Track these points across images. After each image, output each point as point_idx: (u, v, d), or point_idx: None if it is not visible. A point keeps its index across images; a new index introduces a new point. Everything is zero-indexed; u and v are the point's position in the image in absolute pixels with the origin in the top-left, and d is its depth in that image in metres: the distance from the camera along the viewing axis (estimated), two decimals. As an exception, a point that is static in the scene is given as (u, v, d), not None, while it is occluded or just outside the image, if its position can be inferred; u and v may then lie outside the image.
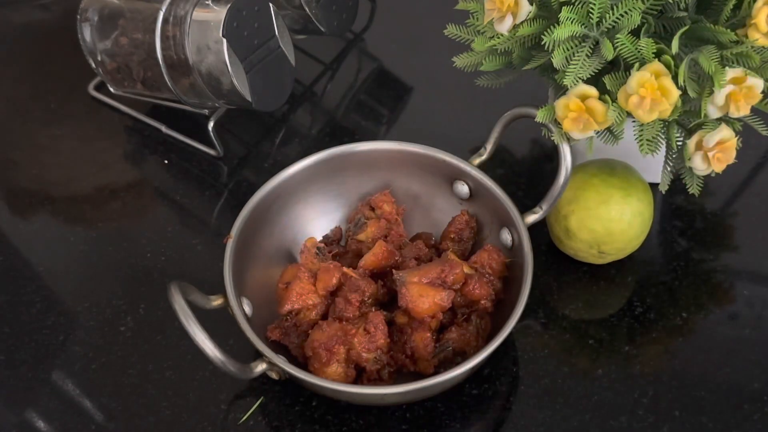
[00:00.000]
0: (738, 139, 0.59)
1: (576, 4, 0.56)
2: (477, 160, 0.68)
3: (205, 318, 0.55)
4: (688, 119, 0.60)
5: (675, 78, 0.55)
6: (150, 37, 0.75)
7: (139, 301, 0.69)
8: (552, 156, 0.78)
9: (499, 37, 0.62)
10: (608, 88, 0.57)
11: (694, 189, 0.63)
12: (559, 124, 0.59)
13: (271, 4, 0.74)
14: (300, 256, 0.67)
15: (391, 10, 0.96)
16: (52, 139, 0.84)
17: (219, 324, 0.59)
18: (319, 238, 0.70)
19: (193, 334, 0.53)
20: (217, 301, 0.59)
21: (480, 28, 0.65)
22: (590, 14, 0.56)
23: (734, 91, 0.55)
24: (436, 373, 0.59)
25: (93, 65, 0.81)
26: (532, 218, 0.64)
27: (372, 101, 0.88)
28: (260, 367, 0.57)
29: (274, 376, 0.59)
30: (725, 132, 0.58)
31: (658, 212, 0.73)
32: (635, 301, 0.68)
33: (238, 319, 0.58)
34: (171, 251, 0.73)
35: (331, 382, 0.57)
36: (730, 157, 0.58)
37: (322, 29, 0.84)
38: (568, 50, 0.57)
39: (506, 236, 0.65)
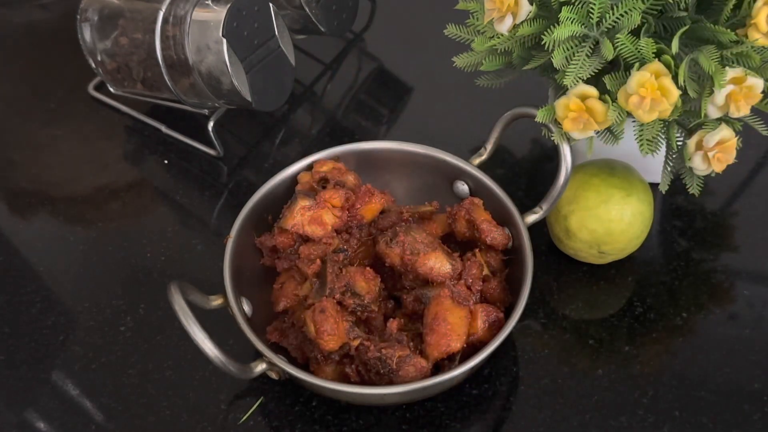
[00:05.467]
0: (738, 139, 0.59)
1: (576, 4, 0.56)
2: (477, 160, 0.68)
3: (205, 318, 0.55)
4: (688, 119, 0.60)
5: (675, 78, 0.55)
6: (150, 37, 0.75)
7: (139, 301, 0.69)
8: (552, 156, 0.78)
9: (499, 37, 0.62)
10: (608, 88, 0.57)
11: (694, 189, 0.63)
12: (559, 124, 0.59)
13: (271, 4, 0.74)
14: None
15: (391, 10, 0.96)
16: (52, 139, 0.84)
17: (219, 324, 0.59)
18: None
19: (193, 334, 0.53)
20: (216, 301, 0.59)
21: (480, 28, 0.65)
22: (590, 14, 0.56)
23: (734, 91, 0.55)
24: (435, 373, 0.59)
25: (93, 65, 0.81)
26: (532, 218, 0.64)
27: (372, 101, 0.88)
28: (260, 367, 0.57)
29: (273, 376, 0.59)
30: (725, 132, 0.58)
31: (658, 212, 0.73)
32: (635, 301, 0.68)
33: (237, 319, 0.58)
34: (171, 251, 0.73)
35: (331, 382, 0.57)
36: (730, 157, 0.58)
37: (322, 29, 0.84)
38: (568, 50, 0.57)
39: (506, 236, 0.65)
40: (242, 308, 0.60)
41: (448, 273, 0.60)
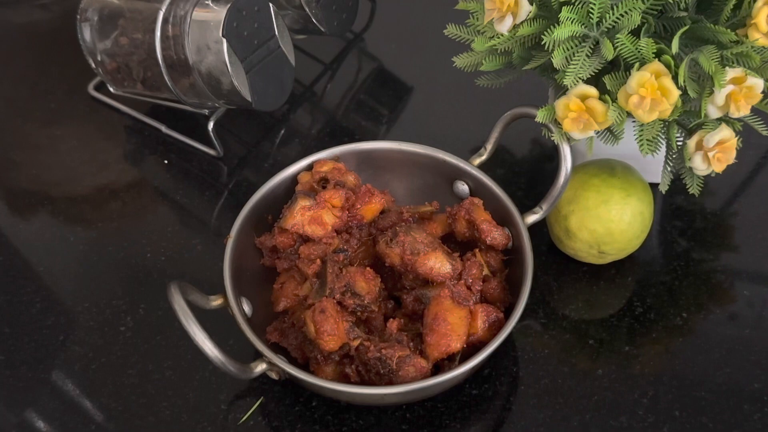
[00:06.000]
0: (738, 139, 0.59)
1: (576, 4, 0.57)
2: (477, 160, 0.68)
3: (205, 318, 0.55)
4: (689, 119, 0.60)
5: (675, 78, 0.55)
6: (150, 37, 0.75)
7: (139, 301, 0.69)
8: (552, 156, 0.78)
9: (499, 37, 0.62)
10: (608, 88, 0.57)
11: (694, 189, 0.63)
12: (559, 124, 0.59)
13: (271, 4, 0.74)
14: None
15: (391, 10, 0.96)
16: (52, 139, 0.84)
17: (219, 324, 0.59)
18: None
19: (193, 334, 0.53)
20: (216, 301, 0.59)
21: (480, 28, 0.65)
22: (590, 14, 0.56)
23: (734, 91, 0.55)
24: (435, 373, 0.59)
25: (93, 65, 0.81)
26: (532, 218, 0.64)
27: (372, 101, 0.88)
28: (260, 367, 0.57)
29: (273, 376, 0.59)
30: (725, 132, 0.58)
31: (658, 212, 0.73)
32: (635, 301, 0.68)
33: (237, 320, 0.58)
34: (171, 251, 0.73)
35: (331, 382, 0.57)
36: (730, 157, 0.58)
37: (322, 29, 0.84)
38: (568, 50, 0.57)
39: (506, 236, 0.65)
40: (242, 308, 0.60)
41: (448, 273, 0.60)
